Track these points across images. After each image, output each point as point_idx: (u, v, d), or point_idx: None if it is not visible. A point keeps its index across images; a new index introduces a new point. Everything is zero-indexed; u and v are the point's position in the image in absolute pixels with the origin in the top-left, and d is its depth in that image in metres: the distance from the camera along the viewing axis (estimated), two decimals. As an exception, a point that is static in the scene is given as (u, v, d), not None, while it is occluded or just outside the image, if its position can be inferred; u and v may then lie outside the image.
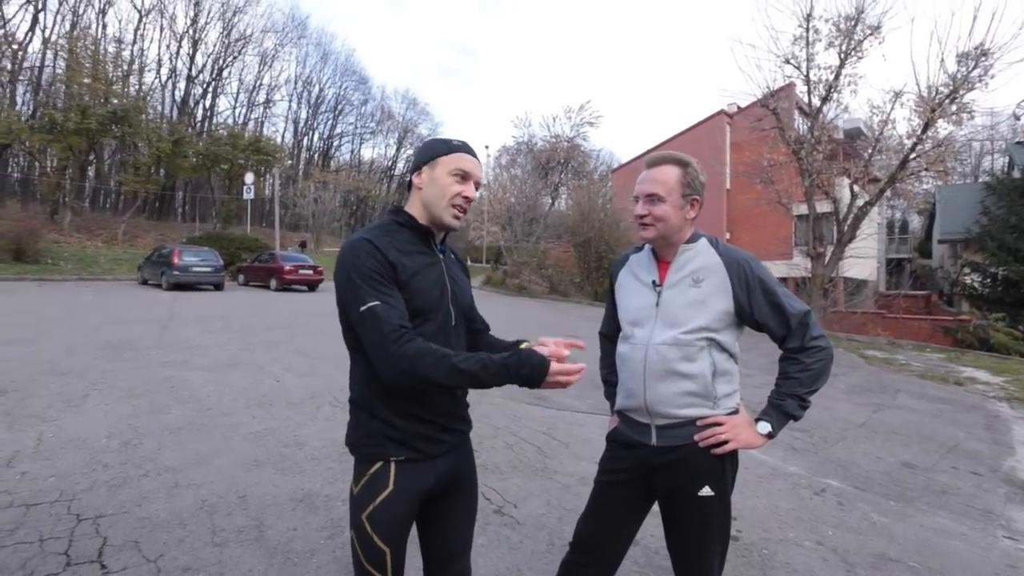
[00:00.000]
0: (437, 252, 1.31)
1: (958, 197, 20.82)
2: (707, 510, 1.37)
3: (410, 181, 1.31)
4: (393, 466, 1.20)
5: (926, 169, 12.41)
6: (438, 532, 1.34)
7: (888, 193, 13.76)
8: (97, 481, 2.94)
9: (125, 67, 27.93)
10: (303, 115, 44.82)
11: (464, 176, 1.26)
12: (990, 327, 12.79)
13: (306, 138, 46.16)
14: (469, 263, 34.48)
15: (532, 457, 3.69)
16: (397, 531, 1.20)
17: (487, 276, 25.12)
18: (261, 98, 41.24)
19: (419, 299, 1.20)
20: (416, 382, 1.11)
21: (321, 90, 45.15)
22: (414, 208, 1.29)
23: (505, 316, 12.86)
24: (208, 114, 38.35)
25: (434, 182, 1.25)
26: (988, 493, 3.47)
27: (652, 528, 1.48)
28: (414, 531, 1.32)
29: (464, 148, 1.28)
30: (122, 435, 3.67)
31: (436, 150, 1.26)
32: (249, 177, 26.10)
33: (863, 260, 15.78)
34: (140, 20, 32.91)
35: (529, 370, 1.08)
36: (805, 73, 12.88)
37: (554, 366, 1.08)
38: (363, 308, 1.12)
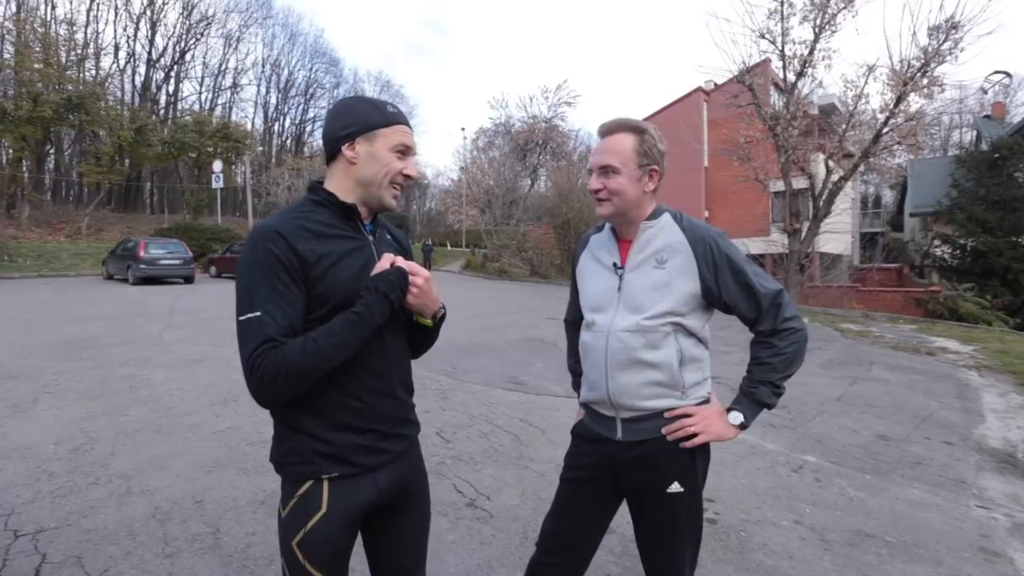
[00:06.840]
0: (365, 234, 1.13)
1: (929, 171, 21.16)
2: (676, 508, 1.27)
3: (334, 151, 1.10)
4: (326, 484, 1.04)
5: (898, 143, 12.50)
6: (386, 549, 1.20)
7: (862, 168, 13.87)
8: (40, 492, 2.75)
9: (79, 51, 26.53)
10: (273, 100, 43.44)
11: (405, 151, 1.11)
12: (959, 297, 13.10)
13: (277, 123, 44.82)
14: (449, 248, 33.98)
15: (508, 446, 3.60)
16: (333, 557, 1.05)
17: (466, 260, 24.89)
18: (228, 82, 39.78)
19: (340, 292, 1.03)
20: (297, 389, 0.98)
21: (290, 73, 43.76)
22: (338, 184, 1.11)
23: (486, 300, 12.73)
24: (172, 100, 36.90)
25: (374, 159, 1.08)
26: (960, 462, 3.50)
27: (629, 516, 1.39)
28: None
29: (401, 117, 1.12)
30: (72, 440, 3.46)
31: (372, 119, 1.08)
32: (218, 165, 25.25)
33: (838, 235, 15.98)
34: (92, 0, 31.28)
35: (389, 287, 1.04)
36: (780, 48, 12.78)
37: (408, 265, 1.08)
38: (241, 318, 0.97)
